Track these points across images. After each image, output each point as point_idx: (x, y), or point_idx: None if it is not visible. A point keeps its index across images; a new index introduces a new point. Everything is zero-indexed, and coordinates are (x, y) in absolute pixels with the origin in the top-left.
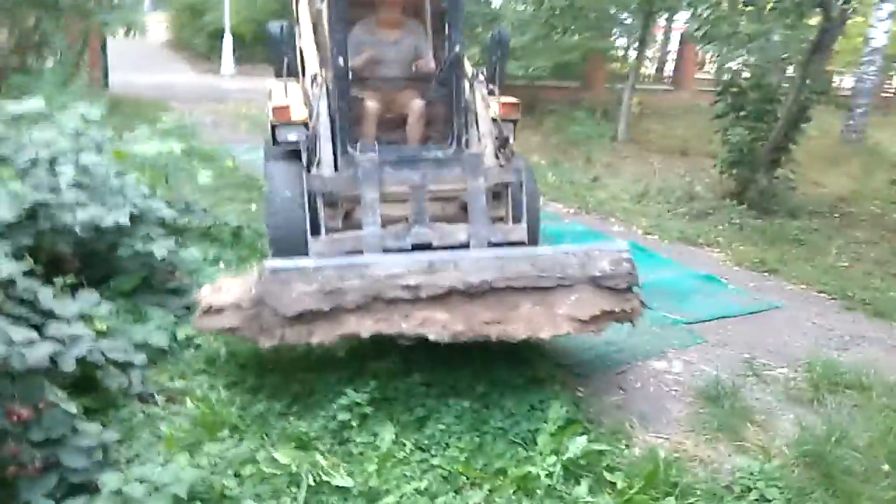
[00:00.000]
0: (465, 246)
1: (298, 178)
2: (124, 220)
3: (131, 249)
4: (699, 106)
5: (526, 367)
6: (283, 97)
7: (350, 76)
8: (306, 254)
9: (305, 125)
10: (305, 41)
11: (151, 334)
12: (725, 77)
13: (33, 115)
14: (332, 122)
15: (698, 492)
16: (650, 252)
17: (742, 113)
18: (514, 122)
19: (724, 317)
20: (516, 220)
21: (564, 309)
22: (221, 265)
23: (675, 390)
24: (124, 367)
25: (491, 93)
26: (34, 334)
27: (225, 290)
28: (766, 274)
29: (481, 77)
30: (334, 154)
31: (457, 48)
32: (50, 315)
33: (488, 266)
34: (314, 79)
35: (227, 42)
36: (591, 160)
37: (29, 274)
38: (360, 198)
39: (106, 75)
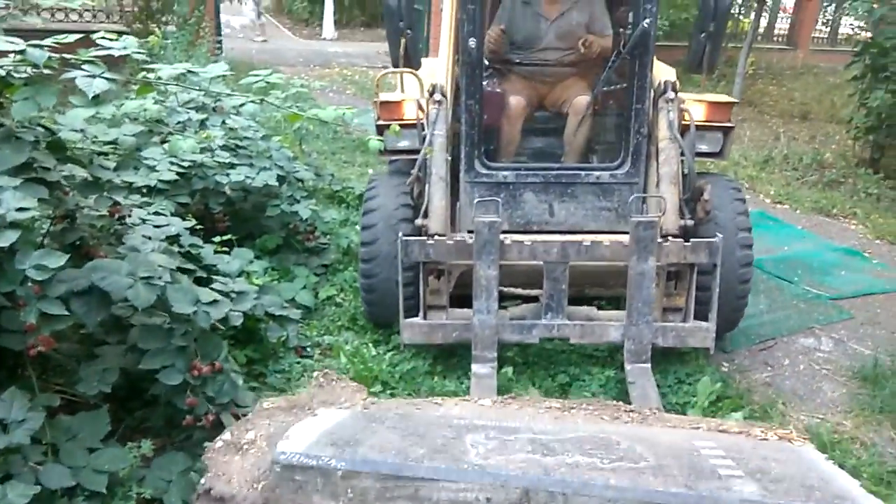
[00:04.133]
0: (619, 348)
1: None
2: (273, 181)
3: (277, 209)
4: (818, 66)
5: None
6: (396, 90)
7: (485, 62)
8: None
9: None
10: (445, 14)
11: (299, 293)
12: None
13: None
14: (454, 138)
15: (865, 475)
16: (784, 223)
17: (883, 74)
18: (727, 130)
19: (869, 293)
20: (700, 314)
21: None
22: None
23: (827, 369)
24: (282, 321)
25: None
26: (217, 295)
27: (242, 449)
28: None
29: (670, 92)
30: (455, 178)
31: (646, 21)
32: (212, 270)
33: (623, 500)
34: (431, 87)
35: (329, 6)
36: None
37: (191, 231)
38: (473, 271)
39: (219, 41)
